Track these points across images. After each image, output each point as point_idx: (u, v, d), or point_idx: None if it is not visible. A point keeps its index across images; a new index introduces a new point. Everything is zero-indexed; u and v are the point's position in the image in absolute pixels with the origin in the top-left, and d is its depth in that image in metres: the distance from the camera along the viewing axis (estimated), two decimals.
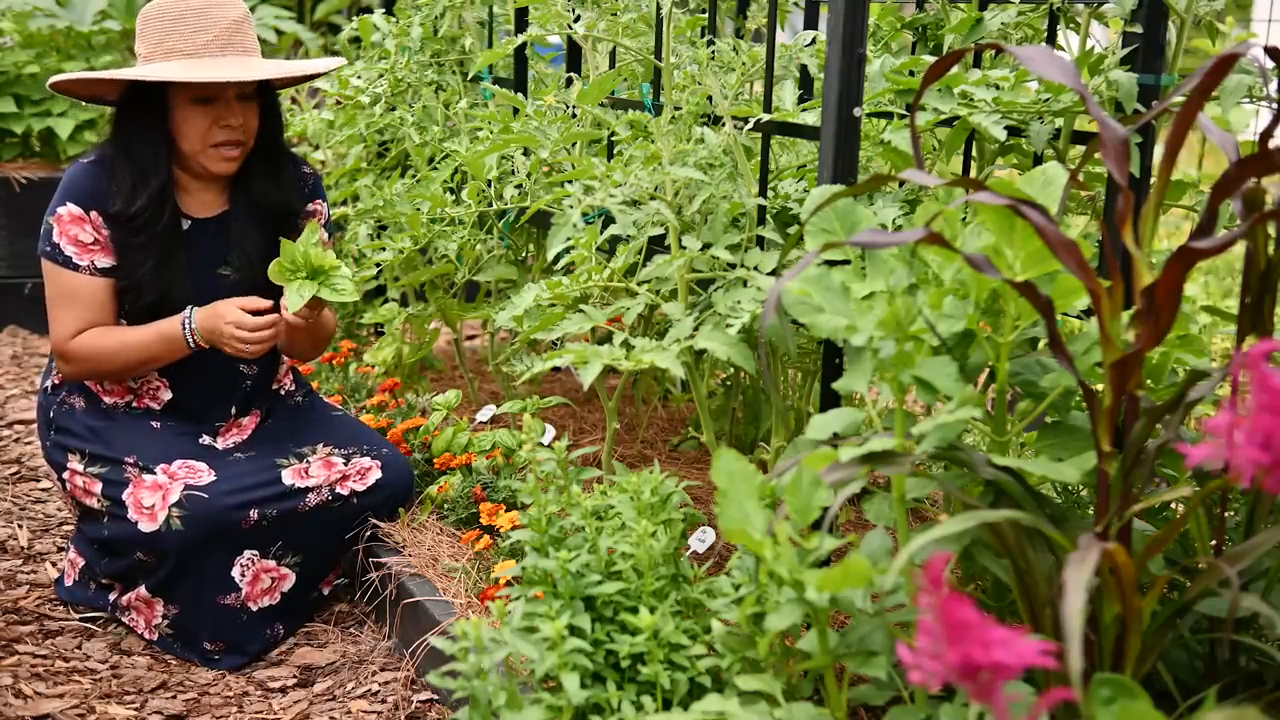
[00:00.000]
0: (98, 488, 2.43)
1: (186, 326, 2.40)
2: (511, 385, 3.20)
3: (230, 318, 2.36)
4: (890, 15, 2.59)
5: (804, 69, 2.45)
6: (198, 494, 2.34)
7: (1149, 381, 1.68)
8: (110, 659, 2.41)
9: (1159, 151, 1.58)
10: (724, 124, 2.25)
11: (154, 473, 2.38)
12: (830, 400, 2.00)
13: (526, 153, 2.76)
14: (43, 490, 3.15)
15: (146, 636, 2.46)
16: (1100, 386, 1.48)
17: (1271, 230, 1.51)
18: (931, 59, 2.03)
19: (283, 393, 2.71)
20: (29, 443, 3.43)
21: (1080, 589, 1.22)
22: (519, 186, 2.81)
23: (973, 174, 2.33)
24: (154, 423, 2.52)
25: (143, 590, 2.42)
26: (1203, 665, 1.60)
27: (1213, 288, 4.77)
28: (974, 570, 1.78)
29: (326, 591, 2.60)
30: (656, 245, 2.33)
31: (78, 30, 4.76)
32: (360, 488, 2.52)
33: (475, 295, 3.57)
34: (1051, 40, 2.17)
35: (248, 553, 2.41)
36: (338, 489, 2.50)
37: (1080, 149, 2.22)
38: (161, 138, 2.41)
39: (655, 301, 2.24)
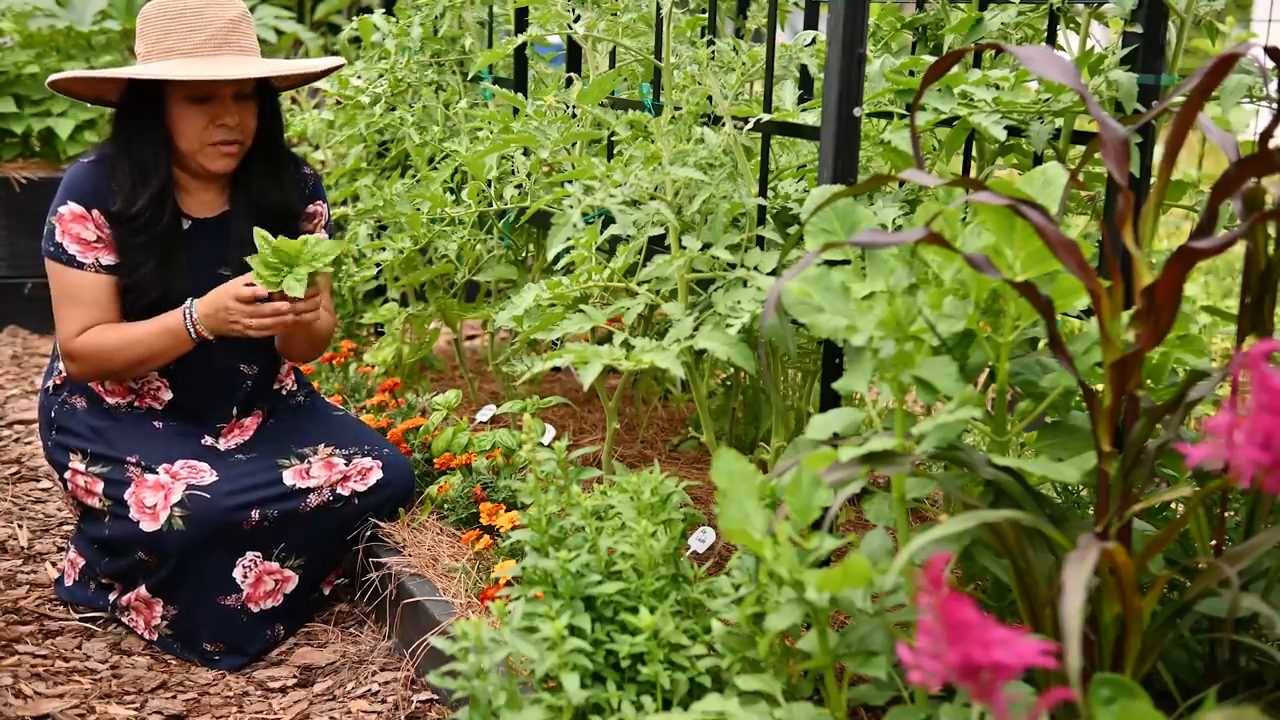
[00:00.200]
0: (99, 487, 2.43)
1: (188, 317, 2.39)
2: (511, 385, 3.20)
3: (234, 292, 2.35)
4: (890, 15, 2.59)
5: (804, 69, 2.45)
6: (200, 494, 2.34)
7: (1149, 381, 1.68)
8: (110, 659, 2.41)
9: (1159, 151, 1.58)
10: (724, 124, 2.25)
11: (156, 472, 2.38)
12: (830, 400, 2.00)
13: (526, 153, 2.76)
14: (43, 490, 3.15)
15: (146, 637, 2.46)
16: (1100, 386, 1.48)
17: (1271, 230, 1.51)
18: (931, 59, 2.03)
19: (284, 393, 2.71)
20: (29, 443, 3.43)
21: (1079, 588, 1.22)
22: (519, 186, 2.81)
23: (973, 174, 2.33)
24: (156, 423, 2.52)
25: (143, 590, 2.42)
26: (1203, 665, 1.60)
27: (1213, 288, 4.78)
28: (974, 570, 1.78)
29: (327, 592, 2.60)
30: (656, 245, 2.33)
31: (78, 30, 4.76)
32: (361, 488, 2.52)
33: (475, 295, 3.57)
34: (1051, 40, 2.17)
35: (250, 554, 2.41)
36: (339, 489, 2.50)
37: (1080, 149, 2.22)
38: (160, 137, 2.41)
39: (655, 301, 2.24)
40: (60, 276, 2.42)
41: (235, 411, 2.59)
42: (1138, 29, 1.92)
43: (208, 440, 2.54)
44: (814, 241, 1.83)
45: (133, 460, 2.41)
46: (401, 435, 2.79)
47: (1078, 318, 1.98)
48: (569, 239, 2.25)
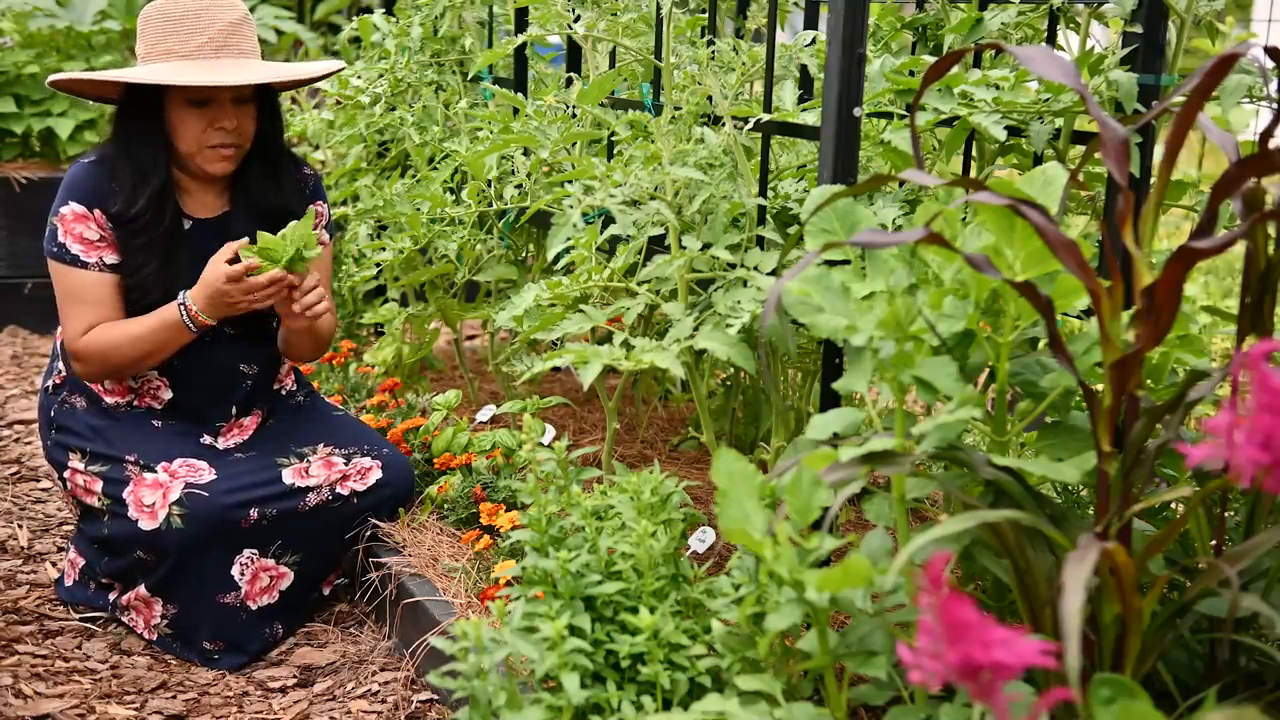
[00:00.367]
0: (98, 486, 2.43)
1: (183, 311, 2.38)
2: (511, 385, 3.20)
3: (223, 274, 2.33)
4: (890, 15, 2.59)
5: (804, 69, 2.45)
6: (198, 492, 2.34)
7: (1149, 381, 1.68)
8: (110, 659, 2.42)
9: (1159, 151, 1.58)
10: (724, 124, 2.25)
11: (155, 471, 2.38)
12: (830, 400, 2.00)
13: (526, 153, 2.76)
14: (43, 490, 3.15)
15: (145, 636, 2.46)
16: (1100, 386, 1.48)
17: (1271, 230, 1.51)
18: (931, 59, 2.03)
19: (284, 393, 2.71)
20: (29, 443, 3.43)
21: (1079, 588, 1.22)
22: (519, 186, 2.81)
23: (973, 174, 2.33)
24: (155, 422, 2.52)
25: (142, 590, 2.42)
26: (1203, 665, 1.60)
27: (1213, 288, 4.77)
28: (974, 570, 1.78)
29: (327, 591, 2.60)
30: (656, 245, 2.33)
31: (78, 30, 4.76)
32: (360, 487, 2.52)
33: (475, 295, 3.57)
34: (1051, 40, 2.17)
35: (247, 551, 2.41)
36: (338, 489, 2.50)
37: (1080, 149, 2.22)
38: (159, 139, 2.41)
39: (655, 301, 2.24)
40: (64, 277, 2.42)
41: (234, 411, 2.59)
42: (1138, 29, 1.92)
43: (206, 439, 2.54)
44: (814, 241, 1.83)
45: (131, 459, 2.41)
46: (401, 435, 2.79)
47: (1078, 318, 1.98)
48: (569, 239, 2.25)
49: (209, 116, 2.39)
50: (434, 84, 3.25)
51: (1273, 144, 1.47)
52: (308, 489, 2.46)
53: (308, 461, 2.51)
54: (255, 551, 2.42)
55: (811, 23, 2.39)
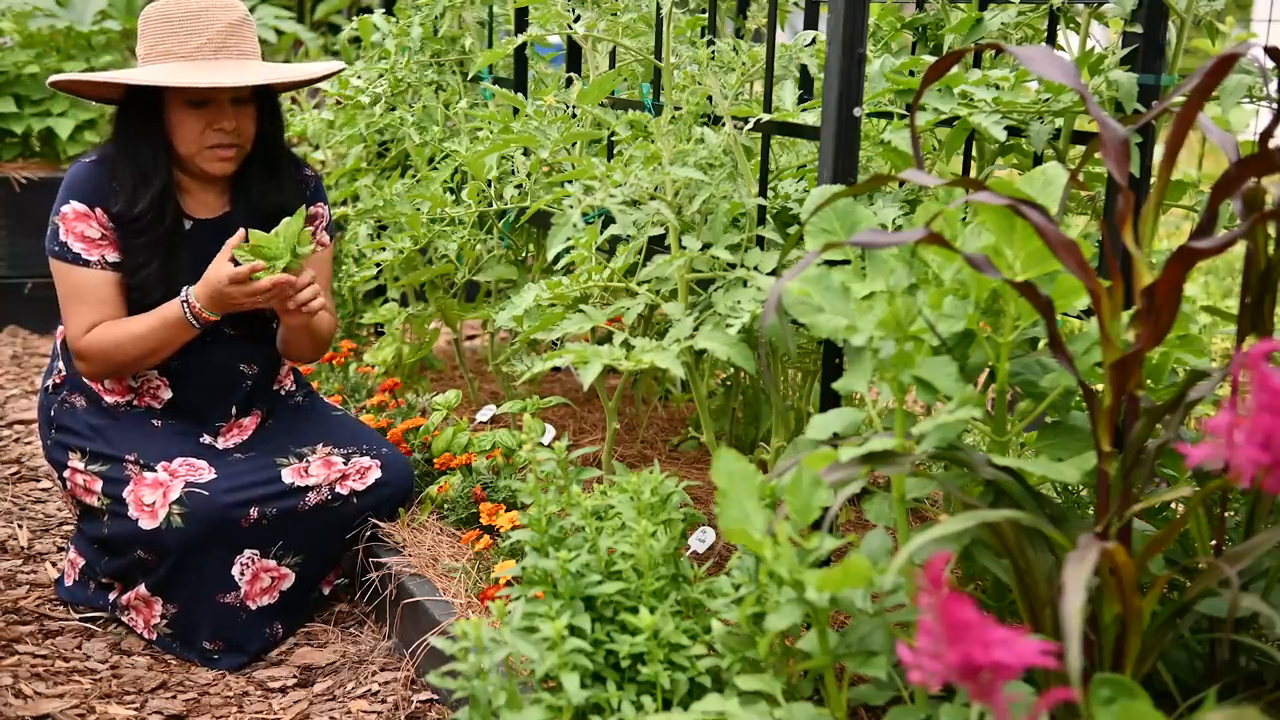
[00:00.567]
0: (98, 486, 2.43)
1: (186, 308, 2.38)
2: (511, 385, 3.20)
3: (226, 275, 2.33)
4: (890, 15, 2.59)
5: (804, 69, 2.45)
6: (199, 491, 2.34)
7: (1149, 381, 1.68)
8: (110, 659, 2.41)
9: (1159, 151, 1.58)
10: (724, 124, 2.25)
11: (155, 470, 2.38)
12: (830, 400, 2.00)
13: (526, 153, 2.76)
14: (43, 490, 3.15)
15: (145, 636, 2.46)
16: (1100, 386, 1.48)
17: (1271, 230, 1.51)
18: (931, 59, 2.03)
19: (283, 393, 2.71)
20: (29, 443, 3.43)
21: (1080, 588, 1.22)
22: (519, 186, 2.81)
23: (973, 174, 2.33)
24: (155, 421, 2.52)
25: (142, 589, 2.42)
26: (1203, 665, 1.60)
27: (1213, 288, 4.77)
28: (974, 570, 1.78)
29: (327, 591, 2.60)
30: (656, 245, 2.33)
31: (78, 30, 4.76)
32: (360, 487, 2.52)
33: (475, 295, 3.57)
34: (1051, 40, 2.17)
35: (248, 551, 2.41)
36: (337, 488, 2.50)
37: (1080, 149, 2.22)
38: (160, 140, 2.41)
39: (655, 301, 2.24)
40: (66, 276, 2.43)
41: (234, 411, 2.59)
42: (1138, 29, 1.92)
43: (206, 439, 2.54)
44: (814, 241, 1.83)
45: (131, 458, 2.42)
46: (401, 435, 2.79)
47: (1078, 318, 1.98)
48: (569, 239, 2.25)
49: (208, 117, 2.39)
50: (434, 84, 3.25)
51: (1273, 144, 1.47)
52: (307, 488, 2.46)
53: (307, 461, 2.51)
54: (256, 552, 2.42)
55: (811, 23, 2.39)
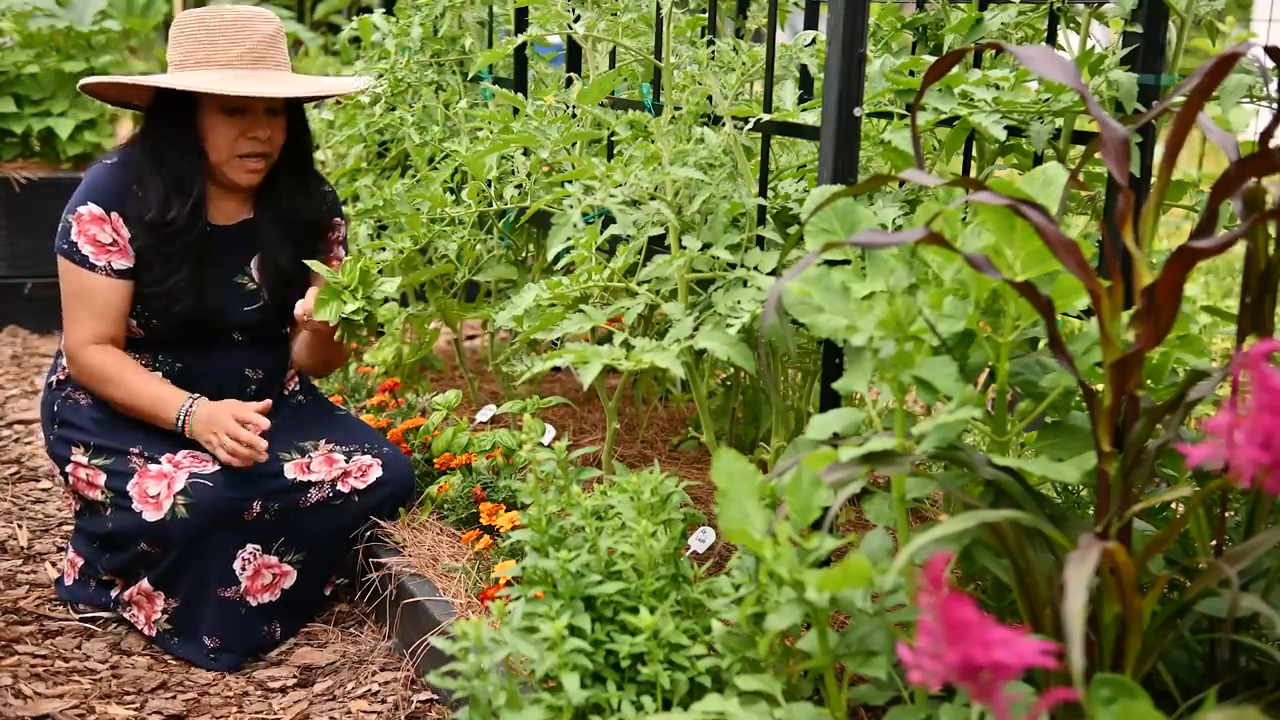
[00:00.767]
0: (101, 479, 2.43)
1: (184, 411, 2.42)
2: (511, 385, 3.20)
3: (234, 410, 2.39)
4: (890, 15, 2.59)
5: (804, 69, 2.45)
6: (203, 482, 2.35)
7: (1149, 381, 1.68)
8: (110, 659, 2.42)
9: (1159, 151, 1.58)
10: (724, 124, 2.25)
11: (159, 462, 2.39)
12: (830, 400, 2.00)
13: (526, 153, 2.76)
14: (43, 490, 3.15)
15: (146, 632, 2.46)
16: (1100, 386, 1.48)
17: (1271, 230, 1.51)
18: (931, 59, 2.03)
19: (285, 392, 2.72)
20: (29, 443, 3.43)
21: (1081, 588, 1.21)
22: (519, 186, 2.81)
23: (973, 174, 2.33)
24: None
25: (144, 584, 2.42)
26: (1203, 665, 1.60)
27: (1213, 288, 4.77)
28: (974, 570, 1.78)
29: (328, 592, 2.60)
30: (656, 245, 2.33)
31: (78, 30, 4.76)
32: (361, 485, 2.52)
33: (475, 295, 3.57)
34: (1051, 40, 2.17)
35: (250, 546, 2.42)
36: (339, 486, 2.50)
37: (1080, 149, 2.22)
38: (194, 146, 2.43)
39: (655, 301, 2.24)
40: (72, 276, 2.44)
41: None
42: (1138, 29, 1.92)
43: None
44: (814, 241, 1.83)
45: (135, 451, 2.42)
46: (401, 435, 2.79)
47: (1078, 318, 1.98)
48: (569, 239, 2.25)
49: (242, 126, 2.41)
50: (434, 84, 3.25)
51: (1273, 144, 1.47)
52: (309, 484, 2.47)
53: (309, 457, 2.51)
54: (258, 547, 2.43)
55: (811, 23, 2.39)
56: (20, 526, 2.93)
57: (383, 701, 2.26)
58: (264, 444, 2.36)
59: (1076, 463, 1.56)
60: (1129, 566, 1.39)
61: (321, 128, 3.55)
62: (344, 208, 3.39)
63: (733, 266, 2.17)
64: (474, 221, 2.91)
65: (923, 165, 1.64)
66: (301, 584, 2.51)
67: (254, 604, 2.43)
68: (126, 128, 5.11)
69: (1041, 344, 1.74)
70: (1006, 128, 2.01)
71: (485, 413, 2.96)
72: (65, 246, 2.43)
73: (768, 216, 2.23)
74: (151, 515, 2.34)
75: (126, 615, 2.50)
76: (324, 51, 5.41)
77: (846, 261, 1.84)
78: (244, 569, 2.42)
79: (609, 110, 2.52)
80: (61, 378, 2.57)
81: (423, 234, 2.92)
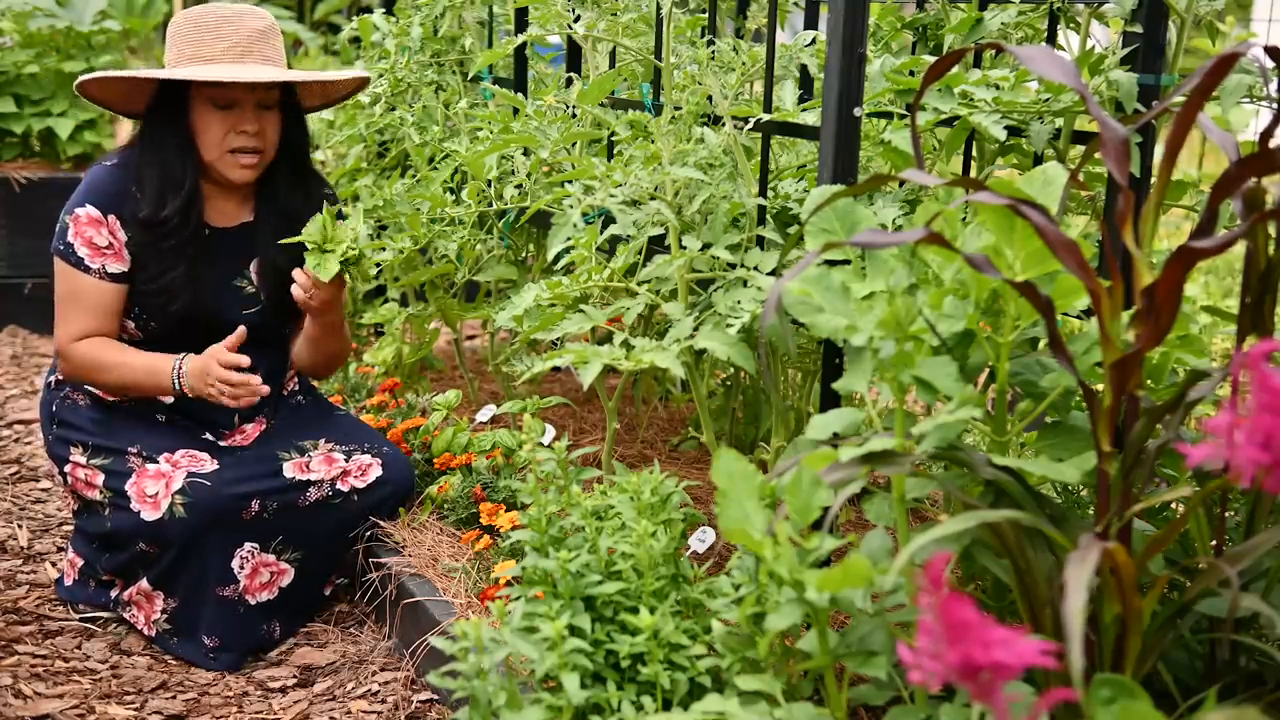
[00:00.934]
0: (100, 479, 2.43)
1: (177, 369, 2.42)
2: (511, 385, 3.20)
3: (218, 356, 2.38)
4: (890, 15, 2.59)
5: (804, 69, 2.45)
6: (201, 481, 2.35)
7: (1149, 381, 1.68)
8: (110, 659, 2.42)
9: (1159, 151, 1.57)
10: (724, 124, 2.25)
11: (157, 461, 2.40)
12: (830, 400, 2.00)
13: (526, 153, 2.76)
14: (43, 490, 3.15)
15: (145, 632, 2.46)
16: (1100, 386, 1.48)
17: (1271, 230, 1.51)
18: (931, 59, 2.03)
19: (285, 393, 2.72)
20: (29, 443, 3.43)
21: (1081, 588, 1.21)
22: (519, 186, 2.81)
23: (973, 174, 2.33)
24: (159, 415, 2.53)
25: (144, 584, 2.42)
26: (1203, 665, 1.60)
27: (1213, 288, 4.77)
28: (974, 570, 1.78)
29: (328, 592, 2.60)
30: (656, 245, 2.33)
31: (78, 30, 4.76)
32: (361, 485, 2.52)
33: (475, 295, 3.57)
34: (1051, 40, 2.17)
35: (248, 545, 2.42)
36: (338, 485, 2.50)
37: (1080, 149, 2.22)
38: (187, 143, 2.44)
39: (655, 301, 2.24)
40: (66, 276, 2.44)
41: (237, 419, 2.59)
42: (1138, 29, 1.92)
43: (208, 435, 2.55)
44: (814, 241, 1.83)
45: (134, 451, 2.43)
46: (401, 435, 2.79)
47: (1078, 318, 1.98)
48: (569, 239, 2.25)
49: (231, 120, 2.41)
50: (434, 84, 3.25)
51: (1273, 144, 1.47)
52: (308, 483, 2.47)
53: (308, 456, 2.51)
54: (256, 546, 2.43)
55: (811, 23, 2.39)
56: (20, 526, 2.93)
57: (383, 701, 2.26)
58: (257, 379, 2.37)
59: (1076, 463, 1.56)
60: (1129, 566, 1.39)
61: (321, 128, 3.55)
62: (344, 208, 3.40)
63: (733, 266, 2.17)
64: (474, 221, 2.91)
65: (923, 165, 1.64)
66: (299, 583, 2.51)
67: (252, 603, 2.44)
68: (126, 128, 5.11)
69: (1041, 344, 1.74)
70: (1006, 128, 2.01)
71: (485, 413, 2.96)
72: (61, 247, 2.44)
73: (768, 216, 2.23)
74: (150, 514, 2.35)
75: (126, 615, 2.50)
76: (324, 51, 5.41)
77: (846, 261, 1.84)
78: (242, 567, 2.42)
79: (609, 110, 2.52)
80: (60, 377, 2.57)
81: (423, 234, 2.91)
